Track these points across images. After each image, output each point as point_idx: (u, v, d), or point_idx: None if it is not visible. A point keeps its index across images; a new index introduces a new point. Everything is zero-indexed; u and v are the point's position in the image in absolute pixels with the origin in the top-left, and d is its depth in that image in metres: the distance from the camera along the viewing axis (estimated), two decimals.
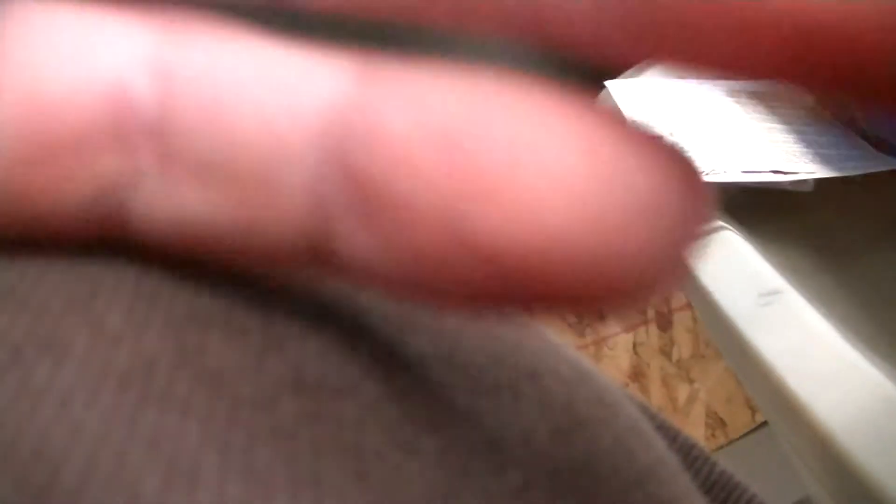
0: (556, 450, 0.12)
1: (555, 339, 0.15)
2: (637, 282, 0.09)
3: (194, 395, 0.10)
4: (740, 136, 0.46)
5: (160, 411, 0.10)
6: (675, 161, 0.09)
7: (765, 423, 0.84)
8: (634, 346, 0.84)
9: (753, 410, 0.84)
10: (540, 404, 0.13)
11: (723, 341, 0.38)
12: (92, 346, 0.10)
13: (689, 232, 0.09)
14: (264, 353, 0.11)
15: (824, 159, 0.44)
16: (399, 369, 0.12)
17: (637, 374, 0.84)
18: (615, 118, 0.09)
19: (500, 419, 0.12)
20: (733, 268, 0.38)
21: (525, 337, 0.14)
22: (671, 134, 0.45)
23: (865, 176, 0.43)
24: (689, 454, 0.18)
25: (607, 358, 0.84)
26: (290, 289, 0.12)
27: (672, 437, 0.18)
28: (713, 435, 0.85)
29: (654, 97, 0.50)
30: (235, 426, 0.10)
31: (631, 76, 0.59)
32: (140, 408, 0.10)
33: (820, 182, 0.43)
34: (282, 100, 0.10)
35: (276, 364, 0.11)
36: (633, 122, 0.09)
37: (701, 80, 0.55)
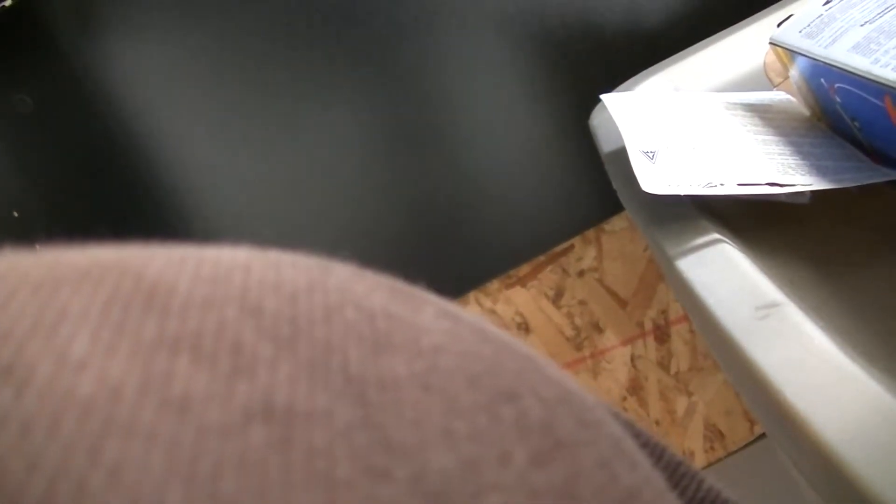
0: (536, 473, 0.12)
1: (538, 356, 0.15)
2: None
3: (159, 423, 0.10)
4: (736, 149, 0.46)
5: (123, 440, 0.09)
6: None
7: (763, 436, 0.83)
8: (632, 358, 0.83)
9: (752, 422, 0.84)
10: (518, 426, 0.13)
11: (720, 354, 0.38)
12: (55, 373, 0.10)
13: None
14: (233, 379, 0.11)
15: (821, 171, 0.44)
16: (372, 392, 0.12)
17: (635, 387, 0.84)
18: None
19: (476, 442, 0.12)
20: (730, 280, 0.38)
21: (505, 356, 0.14)
22: (667, 147, 0.45)
23: (862, 187, 0.42)
24: (675, 471, 0.18)
25: (605, 371, 0.84)
26: (263, 309, 0.12)
27: (658, 454, 0.17)
28: (712, 447, 0.85)
29: (650, 110, 0.50)
30: (202, 455, 0.10)
31: (626, 89, 0.59)
32: (102, 436, 0.09)
33: (817, 194, 0.43)
34: None
35: (245, 390, 0.11)
36: None
37: (696, 93, 0.55)
